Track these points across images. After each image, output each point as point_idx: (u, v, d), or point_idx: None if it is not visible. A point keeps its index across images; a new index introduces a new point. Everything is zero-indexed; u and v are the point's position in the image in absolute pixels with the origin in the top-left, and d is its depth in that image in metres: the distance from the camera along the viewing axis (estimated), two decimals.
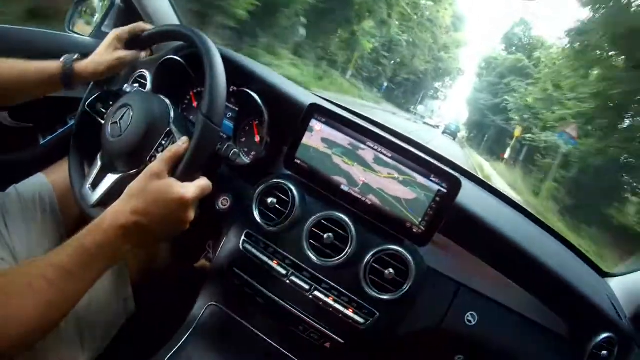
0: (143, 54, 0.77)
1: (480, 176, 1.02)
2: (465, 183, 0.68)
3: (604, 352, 0.77)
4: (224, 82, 0.62)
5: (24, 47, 0.92)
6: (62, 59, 0.71)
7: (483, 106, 26.23)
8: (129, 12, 0.94)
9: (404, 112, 28.59)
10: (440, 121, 36.01)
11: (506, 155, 17.86)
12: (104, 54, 0.73)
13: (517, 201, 0.97)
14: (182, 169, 0.57)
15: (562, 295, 0.75)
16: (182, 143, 0.59)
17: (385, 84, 29.29)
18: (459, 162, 0.96)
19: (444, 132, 29.37)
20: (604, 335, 0.76)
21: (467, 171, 0.96)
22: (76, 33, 1.02)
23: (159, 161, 0.56)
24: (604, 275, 1.00)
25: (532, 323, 0.78)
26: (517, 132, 16.80)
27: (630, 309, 0.88)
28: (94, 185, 0.69)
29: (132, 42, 0.75)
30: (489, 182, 0.98)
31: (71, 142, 0.78)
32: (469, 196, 0.75)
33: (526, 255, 0.73)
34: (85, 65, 0.72)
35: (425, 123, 30.12)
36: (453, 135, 28.75)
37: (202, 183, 0.58)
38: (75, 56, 0.71)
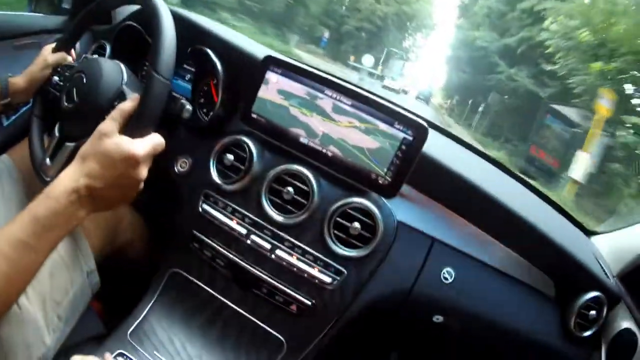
0: (69, 59, 0.78)
1: None
2: (432, 133, 0.65)
3: (592, 312, 0.74)
4: (173, 36, 0.60)
5: None
6: None
7: (482, 51, 15.76)
8: None
9: (352, 72, 20.24)
10: (407, 85, 27.83)
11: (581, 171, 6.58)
12: (35, 72, 0.75)
13: (489, 154, 0.94)
14: (131, 125, 0.54)
15: (547, 252, 0.72)
16: (130, 101, 0.57)
17: (326, 36, 21.52)
18: None
19: (417, 97, 26.33)
20: (592, 294, 0.73)
21: (433, 123, 0.92)
22: (36, 11, 1.01)
23: (108, 120, 0.54)
24: (589, 233, 0.97)
25: (516, 281, 0.75)
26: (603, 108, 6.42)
27: (617, 267, 0.84)
28: (52, 157, 0.67)
29: (72, 33, 0.76)
30: (456, 134, 0.95)
31: (31, 120, 0.76)
32: (437, 146, 0.72)
33: (504, 209, 0.70)
34: (19, 83, 0.74)
35: (385, 87, 21.69)
36: (426, 100, 26.26)
37: (155, 139, 0.56)
38: (8, 75, 0.74)
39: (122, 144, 0.52)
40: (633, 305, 0.77)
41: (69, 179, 0.50)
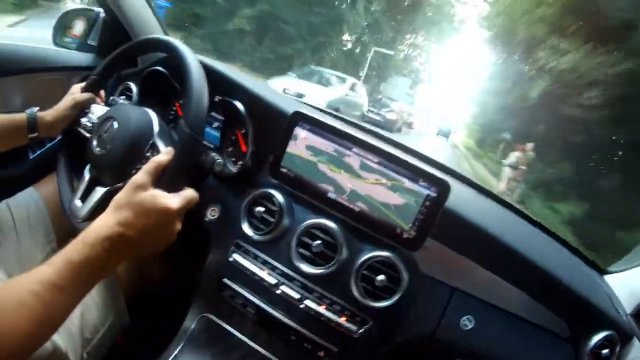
0: (98, 100, 0.81)
1: None
2: (455, 185, 0.68)
3: (605, 351, 0.76)
4: (205, 91, 0.62)
5: (12, 62, 0.94)
6: (26, 111, 0.75)
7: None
8: (113, 24, 0.95)
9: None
10: (407, 113, 17.29)
11: None
12: (63, 109, 0.77)
13: (509, 201, 0.97)
14: (165, 179, 0.56)
15: (560, 294, 0.75)
16: (164, 154, 0.59)
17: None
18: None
19: (437, 134, 26.40)
20: (604, 333, 0.76)
21: (455, 172, 0.95)
22: (63, 47, 1.03)
23: (142, 172, 0.56)
24: (602, 272, 1.00)
25: (530, 324, 0.77)
26: None
27: (630, 305, 0.87)
28: (83, 199, 0.70)
29: (101, 74, 0.79)
30: (476, 181, 0.98)
31: (59, 156, 0.79)
32: (459, 198, 0.74)
33: (520, 256, 0.73)
34: (46, 118, 0.76)
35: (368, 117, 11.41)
36: (446, 135, 26.39)
37: (188, 194, 0.58)
38: (37, 109, 0.76)
39: (158, 197, 0.54)
40: None
41: (104, 226, 0.52)
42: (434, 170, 0.67)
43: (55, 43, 1.04)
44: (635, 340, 0.81)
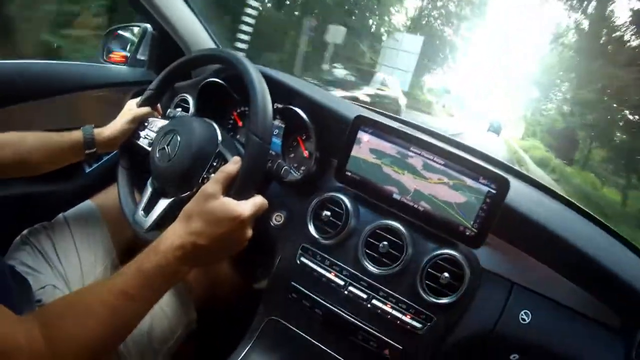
0: (155, 114, 0.84)
1: None
2: (514, 182, 0.71)
3: None
4: (269, 100, 0.65)
5: (64, 81, 0.99)
6: (81, 129, 0.78)
7: None
8: (163, 38, 1.00)
9: None
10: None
11: None
12: (120, 125, 0.81)
13: (565, 196, 0.99)
14: (236, 188, 0.59)
15: (613, 288, 0.77)
16: (233, 163, 0.61)
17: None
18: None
19: (488, 130, 25.88)
20: None
21: (513, 168, 0.98)
22: (111, 63, 1.09)
23: (213, 182, 0.58)
24: None
25: (583, 317, 0.79)
26: None
27: None
28: (147, 211, 0.74)
29: (158, 88, 0.82)
30: (534, 178, 1.00)
31: (118, 171, 0.83)
32: (518, 195, 0.77)
33: (575, 250, 0.76)
34: (104, 134, 0.79)
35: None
36: (497, 131, 25.81)
37: (258, 201, 0.60)
38: (93, 125, 0.79)
39: (229, 204, 0.56)
40: None
41: (176, 235, 0.54)
42: (493, 167, 0.70)
43: (104, 60, 1.09)
44: None
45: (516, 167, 1.02)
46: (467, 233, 0.71)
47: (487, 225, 0.70)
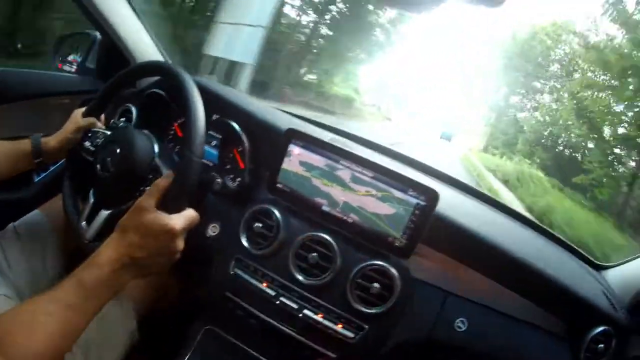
0: (99, 124, 0.86)
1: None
2: (447, 190, 0.73)
3: (600, 346, 0.80)
4: (203, 115, 0.67)
5: (14, 88, 1.00)
6: (30, 137, 0.80)
7: None
8: (110, 47, 1.01)
9: None
10: None
11: None
12: (67, 134, 0.83)
13: (502, 202, 1.02)
14: (168, 202, 0.61)
15: (553, 294, 0.79)
16: (166, 177, 0.63)
17: None
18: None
19: (441, 137, 25.35)
20: (599, 328, 0.79)
21: (446, 175, 1.00)
22: (61, 70, 1.10)
23: (146, 196, 0.60)
24: (599, 268, 1.04)
25: (525, 324, 0.82)
26: None
27: (627, 299, 0.91)
28: (89, 221, 0.76)
29: (101, 99, 0.84)
30: (471, 186, 1.03)
31: (64, 180, 0.85)
32: (450, 203, 0.80)
33: (510, 258, 0.78)
34: (50, 143, 0.82)
35: None
36: (449, 138, 25.31)
37: (189, 214, 0.63)
38: (41, 135, 0.81)
39: (161, 218, 0.59)
40: None
41: (112, 249, 0.57)
42: (424, 177, 0.72)
43: (54, 67, 1.10)
44: (633, 334, 0.85)
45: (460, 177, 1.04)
46: (397, 244, 0.73)
47: (417, 237, 0.72)
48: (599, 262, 1.05)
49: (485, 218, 0.91)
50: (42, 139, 0.81)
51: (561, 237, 1.03)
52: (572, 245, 1.03)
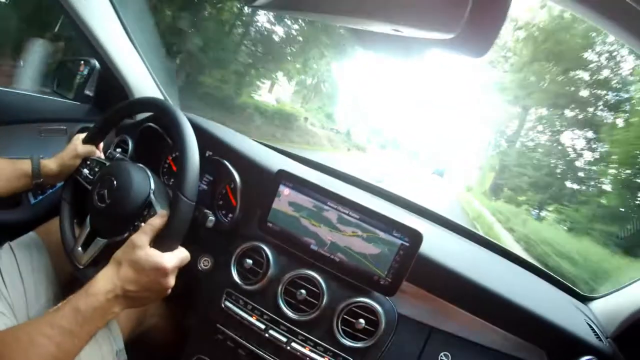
0: (97, 153, 0.90)
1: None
2: (432, 228, 0.77)
3: None
4: (197, 157, 0.72)
5: (11, 110, 1.04)
6: (30, 158, 0.84)
7: None
8: (109, 77, 1.05)
9: None
10: None
11: None
12: (66, 159, 0.87)
13: (488, 238, 1.06)
14: (162, 241, 0.67)
15: (536, 327, 0.83)
16: (160, 217, 0.69)
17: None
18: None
19: (433, 173, 24.20)
20: (584, 358, 0.83)
21: (433, 213, 1.04)
22: (60, 94, 1.13)
23: (141, 233, 0.66)
24: (584, 299, 1.08)
25: (509, 357, 0.86)
26: None
27: (612, 329, 0.95)
28: (84, 247, 0.80)
29: (100, 129, 0.87)
30: (457, 222, 1.07)
31: (61, 206, 0.89)
32: (435, 242, 0.84)
33: (492, 294, 0.82)
34: (50, 167, 0.86)
35: None
36: (441, 174, 24.21)
37: (181, 254, 0.68)
38: (41, 156, 0.85)
39: (154, 256, 0.64)
40: None
41: (107, 280, 0.62)
42: (409, 217, 0.76)
43: (54, 91, 1.14)
44: None
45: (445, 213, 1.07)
46: (382, 282, 0.77)
47: (401, 275, 0.76)
48: (585, 294, 1.09)
49: (469, 255, 0.95)
50: (42, 161, 0.85)
51: (548, 272, 1.07)
52: (559, 278, 1.07)
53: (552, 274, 1.07)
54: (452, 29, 0.45)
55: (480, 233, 1.06)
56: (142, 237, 0.65)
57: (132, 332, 0.90)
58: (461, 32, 0.45)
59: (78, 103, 1.10)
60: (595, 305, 1.06)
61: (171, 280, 0.66)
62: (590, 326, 0.93)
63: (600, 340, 0.88)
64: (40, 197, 1.10)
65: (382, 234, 0.76)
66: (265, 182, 0.80)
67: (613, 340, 0.92)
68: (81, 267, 0.78)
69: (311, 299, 0.78)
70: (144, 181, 0.78)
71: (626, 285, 1.01)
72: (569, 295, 1.07)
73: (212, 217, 0.77)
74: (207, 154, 0.86)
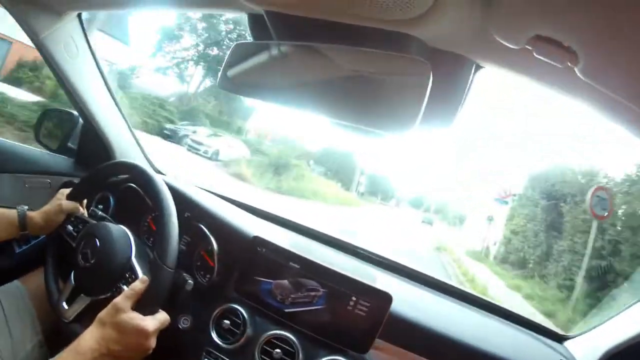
0: (81, 210, 0.96)
1: None
2: (407, 285, 0.83)
3: None
4: (176, 227, 0.78)
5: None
6: (17, 208, 0.90)
7: None
8: (91, 133, 1.11)
9: None
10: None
11: None
12: (51, 214, 0.93)
13: (462, 289, 1.11)
14: (142, 306, 0.73)
15: None
16: (141, 282, 0.75)
17: None
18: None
19: (422, 222, 23.17)
20: None
21: (405, 268, 1.10)
22: (44, 144, 1.19)
23: (124, 297, 0.72)
24: (562, 339, 1.14)
25: None
26: None
27: None
28: (69, 302, 0.86)
29: (83, 188, 0.93)
30: (432, 277, 1.12)
31: (46, 258, 0.94)
32: (406, 299, 0.89)
33: (471, 348, 0.87)
34: (35, 219, 0.92)
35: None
36: (430, 223, 24.68)
37: (161, 317, 0.75)
38: (27, 207, 0.91)
39: (135, 319, 0.70)
40: None
41: (93, 339, 0.69)
42: (384, 275, 0.81)
43: (38, 140, 1.19)
44: None
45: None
46: (354, 341, 0.83)
47: (372, 334, 0.82)
48: (561, 334, 1.15)
49: (444, 310, 1.01)
50: (28, 213, 0.91)
51: (523, 316, 1.12)
52: (534, 322, 1.12)
53: (526, 317, 1.12)
54: (408, 127, 0.52)
55: (456, 285, 1.12)
56: (124, 302, 0.72)
57: None
58: (420, 124, 0.52)
59: (61, 156, 1.16)
60: (572, 344, 1.11)
61: (152, 342, 0.73)
62: None
63: None
64: (25, 247, 1.15)
65: (354, 297, 0.82)
66: (241, 246, 0.86)
67: None
68: (66, 320, 0.84)
69: (287, 358, 0.83)
70: (125, 244, 0.84)
71: (602, 323, 1.07)
72: (544, 337, 1.12)
73: (190, 281, 0.82)
74: (185, 215, 0.92)
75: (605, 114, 0.59)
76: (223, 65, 0.60)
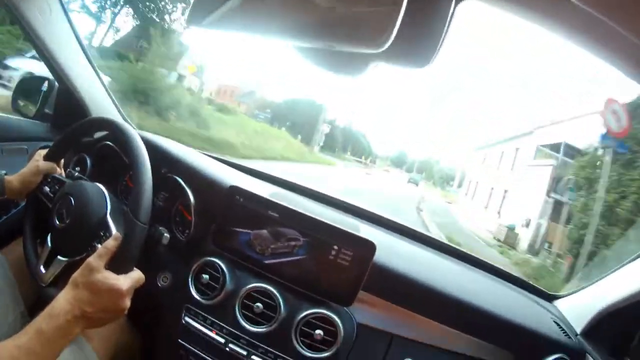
0: (58, 170, 0.95)
1: None
2: (390, 237, 0.82)
3: None
4: (150, 180, 0.76)
5: None
6: None
7: None
8: (68, 96, 1.09)
9: None
10: None
11: None
12: (27, 175, 0.92)
13: (447, 243, 1.11)
14: (116, 264, 0.71)
15: (500, 329, 0.87)
16: (114, 239, 0.73)
17: None
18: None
19: (408, 181, 25.34)
20: (553, 356, 0.86)
21: (390, 221, 1.09)
22: (20, 111, 1.17)
23: (96, 256, 0.70)
24: (551, 298, 1.13)
25: None
26: None
27: (580, 325, 0.98)
28: (46, 266, 0.85)
29: (59, 148, 0.92)
30: (416, 230, 1.12)
31: (24, 223, 0.93)
32: (391, 250, 0.88)
33: (452, 299, 0.86)
34: (12, 183, 0.91)
35: None
36: (416, 182, 25.39)
37: (135, 275, 0.73)
38: (4, 172, 0.90)
39: (109, 278, 0.69)
40: (598, 357, 0.89)
41: (66, 301, 0.66)
42: (367, 226, 0.81)
43: (14, 109, 1.18)
44: (589, 357, 0.92)
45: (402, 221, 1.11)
46: (338, 292, 0.82)
47: (356, 285, 0.80)
48: (550, 293, 1.14)
49: (428, 262, 1.00)
50: (6, 178, 0.90)
51: (512, 273, 1.11)
52: (523, 279, 1.12)
53: (516, 275, 1.12)
54: (381, 44, 0.51)
55: (439, 239, 1.11)
56: (97, 260, 0.70)
57: (106, 354, 0.95)
58: (397, 45, 0.51)
59: (38, 122, 1.15)
60: (562, 303, 1.10)
61: (127, 302, 0.71)
62: (558, 324, 0.96)
63: (569, 337, 0.93)
64: (4, 217, 1.14)
65: (336, 246, 0.81)
66: (218, 197, 0.85)
67: (582, 336, 0.97)
68: (44, 284, 0.83)
69: (268, 312, 0.82)
70: (100, 201, 0.82)
71: (593, 283, 1.06)
72: (534, 295, 1.12)
73: (167, 235, 0.81)
74: (162, 171, 0.91)
75: (599, 47, 0.57)
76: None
